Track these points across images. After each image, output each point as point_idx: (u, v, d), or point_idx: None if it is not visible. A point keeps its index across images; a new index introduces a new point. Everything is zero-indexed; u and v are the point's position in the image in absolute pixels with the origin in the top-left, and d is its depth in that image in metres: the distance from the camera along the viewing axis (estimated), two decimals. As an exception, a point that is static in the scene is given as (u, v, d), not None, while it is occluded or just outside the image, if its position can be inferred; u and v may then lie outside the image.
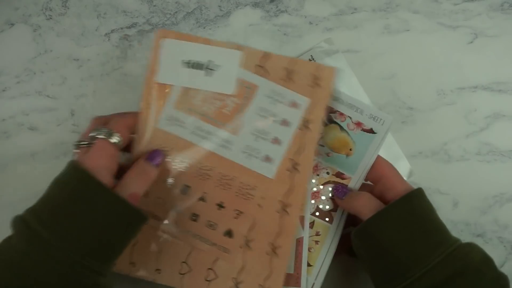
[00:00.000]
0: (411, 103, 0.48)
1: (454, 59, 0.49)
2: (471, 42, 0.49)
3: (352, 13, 0.49)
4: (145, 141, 0.39)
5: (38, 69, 0.49)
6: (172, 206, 0.40)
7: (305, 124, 0.39)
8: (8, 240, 0.32)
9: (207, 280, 0.39)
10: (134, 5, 0.49)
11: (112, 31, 0.49)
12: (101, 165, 0.34)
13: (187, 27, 0.49)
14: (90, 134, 0.36)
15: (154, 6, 0.49)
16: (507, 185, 0.48)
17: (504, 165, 0.47)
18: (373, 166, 0.40)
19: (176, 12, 0.49)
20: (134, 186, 0.36)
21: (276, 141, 0.39)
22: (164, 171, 0.39)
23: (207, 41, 0.39)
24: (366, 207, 0.36)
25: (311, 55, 0.48)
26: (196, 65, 0.39)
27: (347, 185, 0.41)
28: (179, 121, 0.39)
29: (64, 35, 0.49)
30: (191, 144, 0.39)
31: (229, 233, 0.39)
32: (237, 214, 0.39)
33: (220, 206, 0.39)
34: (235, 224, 0.39)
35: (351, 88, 0.48)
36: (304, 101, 0.39)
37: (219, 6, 0.49)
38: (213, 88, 0.39)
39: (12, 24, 0.49)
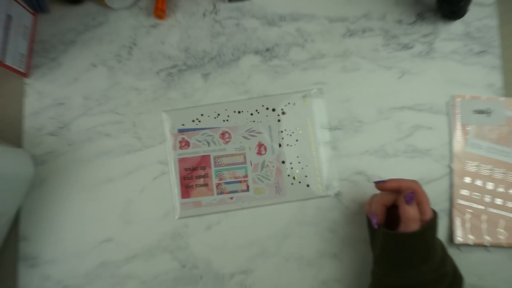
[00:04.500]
0: (361, 118, 0.58)
1: (389, 88, 0.59)
2: (400, 78, 0.59)
3: (320, 58, 0.60)
4: (460, 160, 0.55)
5: (111, 95, 0.60)
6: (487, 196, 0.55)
7: None
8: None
9: None
10: (175, 52, 0.61)
11: (161, 70, 0.60)
12: None
13: (211, 67, 0.60)
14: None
15: (189, 53, 0.61)
16: (424, 173, 0.57)
17: (422, 160, 0.57)
18: (415, 193, 0.45)
19: (203, 57, 0.61)
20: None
21: None
22: (475, 175, 0.55)
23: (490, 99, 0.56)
24: (416, 221, 0.44)
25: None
26: (480, 111, 0.56)
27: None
28: (478, 145, 0.56)
29: (129, 73, 0.60)
30: (487, 158, 0.56)
31: None
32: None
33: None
34: None
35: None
36: None
37: (232, 53, 0.61)
38: (493, 123, 0.56)
39: (95, 66, 0.61)
